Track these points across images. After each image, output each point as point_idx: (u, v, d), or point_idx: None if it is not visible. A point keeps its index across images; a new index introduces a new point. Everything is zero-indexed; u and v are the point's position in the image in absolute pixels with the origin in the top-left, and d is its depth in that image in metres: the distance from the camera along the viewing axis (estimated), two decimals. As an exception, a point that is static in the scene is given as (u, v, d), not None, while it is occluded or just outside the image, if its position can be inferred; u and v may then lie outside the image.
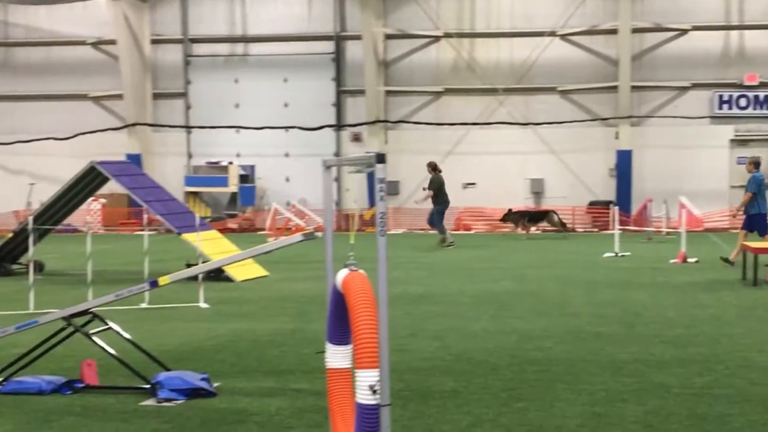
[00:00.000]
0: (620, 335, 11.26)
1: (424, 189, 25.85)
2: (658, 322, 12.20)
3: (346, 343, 5.72)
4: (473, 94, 32.51)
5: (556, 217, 28.54)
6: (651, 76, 32.05)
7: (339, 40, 33.04)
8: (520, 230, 28.41)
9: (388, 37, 32.71)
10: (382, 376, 4.83)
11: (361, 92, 32.47)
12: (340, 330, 5.68)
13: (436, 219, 24.94)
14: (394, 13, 32.67)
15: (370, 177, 30.56)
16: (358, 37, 32.25)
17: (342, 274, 5.42)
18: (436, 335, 11.48)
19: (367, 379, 4.80)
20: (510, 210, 28.80)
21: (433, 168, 24.79)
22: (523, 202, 31.99)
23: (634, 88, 31.64)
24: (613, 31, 31.66)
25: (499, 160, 32.14)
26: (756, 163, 18.94)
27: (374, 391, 4.80)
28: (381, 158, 4.93)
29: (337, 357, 5.72)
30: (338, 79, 33.10)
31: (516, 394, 8.36)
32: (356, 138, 33.01)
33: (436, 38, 32.55)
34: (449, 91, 32.68)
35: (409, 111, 32.91)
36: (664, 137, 31.86)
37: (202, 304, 14.26)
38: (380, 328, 4.83)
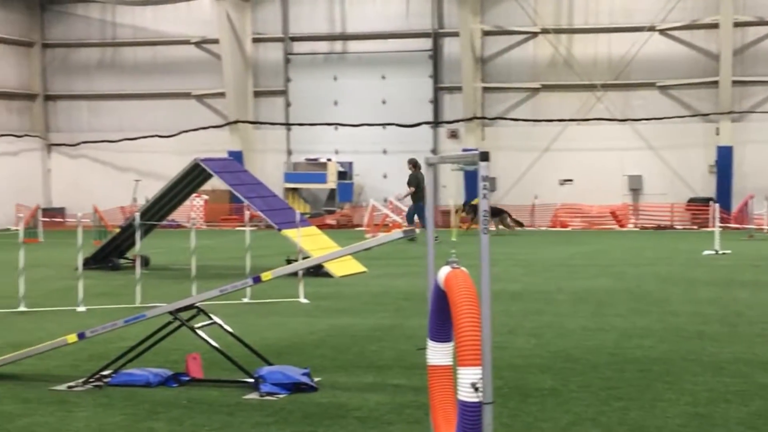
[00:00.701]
0: (722, 334, 11.08)
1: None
2: (761, 322, 11.96)
3: (448, 341, 5.77)
4: (571, 90, 32.20)
5: (508, 219, 28.10)
6: (753, 71, 31.32)
7: (436, 37, 33.06)
8: (474, 226, 27.31)
9: (486, 33, 32.61)
10: (485, 374, 4.86)
11: (458, 89, 32.43)
12: (442, 327, 5.73)
13: (411, 215, 25.78)
14: (492, 10, 32.55)
15: (468, 174, 30.60)
16: (455, 34, 32.22)
17: (444, 271, 5.46)
18: (534, 332, 11.45)
19: (469, 376, 4.83)
20: (469, 202, 28.44)
21: (414, 165, 25.00)
22: (621, 199, 31.58)
23: (735, 83, 30.96)
24: (714, 26, 31.02)
25: (596, 157, 31.78)
26: None
27: (476, 389, 4.83)
28: (485, 156, 4.96)
29: (438, 354, 5.76)
30: (435, 75, 33.12)
31: (616, 393, 8.31)
32: (453, 135, 32.99)
33: (534, 34, 32.33)
34: (546, 88, 32.43)
35: (506, 107, 32.76)
36: (766, 133, 31.10)
37: (302, 300, 14.47)
38: (483, 326, 4.86)
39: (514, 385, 8.53)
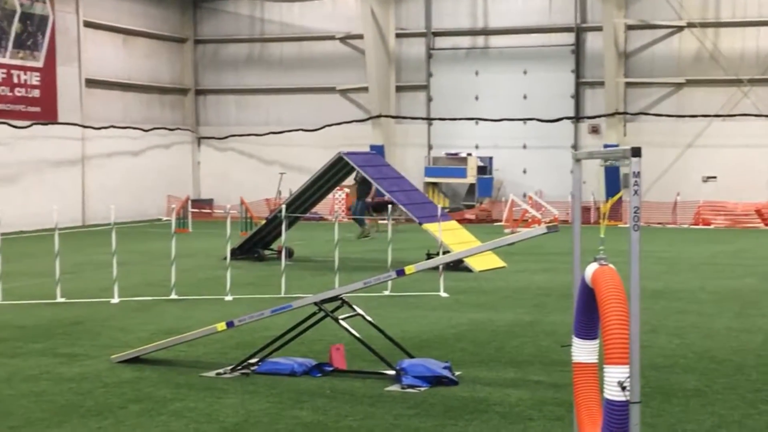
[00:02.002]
0: None
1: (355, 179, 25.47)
2: None
3: (594, 338, 5.75)
4: (716, 85, 31.29)
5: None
6: None
7: (579, 31, 32.62)
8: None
9: (630, 27, 32.00)
10: (632, 373, 4.84)
11: (601, 84, 31.94)
12: (588, 324, 5.71)
13: (360, 210, 25.59)
14: (636, 4, 31.91)
15: (609, 170, 30.13)
16: (598, 29, 31.72)
17: (591, 268, 5.44)
18: (677, 332, 11.27)
19: (616, 375, 4.82)
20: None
21: None
22: (766, 197, 30.53)
23: None
24: None
25: (741, 154, 30.80)
26: None
27: (623, 388, 4.81)
28: (636, 152, 4.92)
29: (583, 351, 5.74)
30: (577, 70, 32.69)
31: (763, 395, 8.12)
32: (594, 130, 32.51)
33: (679, 28, 31.54)
34: (691, 83, 31.60)
35: (649, 103, 32.09)
36: None
37: (443, 293, 14.55)
38: (631, 324, 4.84)
39: (656, 385, 8.43)
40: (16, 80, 28.14)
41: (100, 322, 12.32)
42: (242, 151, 35.68)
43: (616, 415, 4.85)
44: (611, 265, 5.40)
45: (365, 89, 33.61)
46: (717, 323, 11.86)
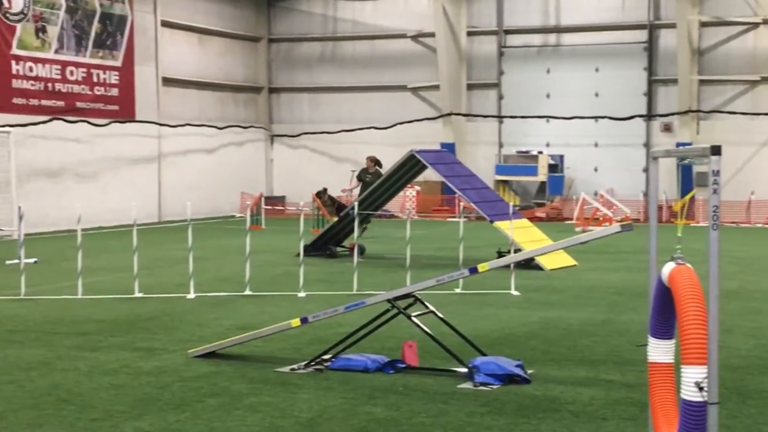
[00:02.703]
0: None
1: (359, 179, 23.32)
2: None
3: (670, 338, 5.73)
4: (792, 82, 30.75)
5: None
6: None
7: (652, 28, 32.26)
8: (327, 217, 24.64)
9: (704, 24, 31.55)
10: (710, 374, 4.82)
11: (674, 81, 31.55)
12: (664, 324, 5.69)
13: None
14: (710, 0, 31.47)
15: (683, 168, 29.75)
16: (672, 26, 31.33)
17: (668, 267, 5.42)
18: (752, 332, 11.13)
19: (693, 375, 4.80)
20: (325, 189, 25.98)
21: (375, 162, 22.63)
22: None
23: None
24: None
25: (817, 152, 30.20)
26: None
27: (701, 388, 4.79)
28: (716, 150, 4.90)
29: (659, 351, 5.72)
30: (650, 68, 32.34)
31: (843, 399, 7.99)
32: (667, 128, 32.13)
33: (754, 25, 31.00)
34: (766, 80, 31.04)
35: (723, 101, 31.60)
36: None
37: (514, 292, 14.54)
38: (709, 324, 4.82)
39: (732, 386, 8.34)
40: (95, 79, 28.73)
41: (177, 316, 12.56)
42: (314, 149, 35.96)
43: (693, 416, 4.84)
44: (689, 265, 5.38)
45: (436, 87, 33.63)
46: (794, 325, 11.69)
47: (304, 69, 36.40)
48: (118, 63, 29.55)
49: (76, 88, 28.11)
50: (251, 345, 10.15)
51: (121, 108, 29.67)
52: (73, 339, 11.02)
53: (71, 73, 27.95)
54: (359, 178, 22.66)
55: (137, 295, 14.32)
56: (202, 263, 17.22)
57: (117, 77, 29.50)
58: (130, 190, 28.89)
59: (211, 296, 14.35)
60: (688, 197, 27.94)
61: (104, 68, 29.02)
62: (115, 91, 29.41)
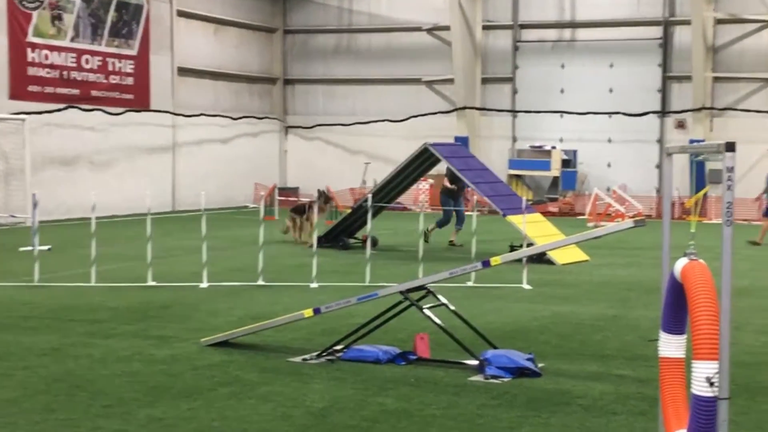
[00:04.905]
0: None
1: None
2: None
3: (681, 333, 5.75)
4: (806, 80, 30.62)
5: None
6: None
7: (667, 25, 32.15)
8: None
9: (719, 21, 31.42)
10: (722, 369, 4.84)
11: (688, 78, 31.44)
12: (676, 319, 5.71)
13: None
14: (727, -3, 31.40)
15: (696, 165, 29.68)
16: (687, 22, 31.22)
17: (681, 262, 5.44)
18: (763, 330, 11.14)
19: (705, 370, 4.81)
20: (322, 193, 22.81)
21: None
22: None
23: None
24: None
25: (830, 150, 30.04)
26: None
27: (712, 384, 4.81)
28: (731, 146, 4.91)
29: (670, 346, 5.74)
30: (664, 64, 32.22)
31: None
32: (680, 125, 32.05)
33: (770, 23, 30.91)
34: (779, 78, 30.97)
35: (737, 98, 31.49)
36: None
37: (525, 286, 14.56)
38: (721, 320, 4.84)
39: (742, 383, 8.35)
40: (111, 68, 28.82)
41: (190, 305, 12.62)
42: (328, 141, 35.99)
43: (703, 411, 4.85)
44: (702, 260, 5.40)
45: (451, 81, 33.61)
46: (806, 323, 11.69)
47: (320, 61, 36.42)
48: (134, 52, 29.62)
49: (92, 77, 28.20)
50: (263, 334, 10.20)
51: (136, 97, 29.75)
52: (86, 326, 11.09)
53: (87, 61, 28.04)
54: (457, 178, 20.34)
55: (150, 283, 14.39)
56: (215, 253, 17.27)
57: (132, 66, 29.57)
58: (145, 179, 28.97)
59: (224, 286, 14.40)
60: (701, 194, 27.88)
61: (120, 57, 29.10)
62: (130, 80, 29.50)
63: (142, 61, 29.92)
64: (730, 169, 4.87)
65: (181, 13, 31.69)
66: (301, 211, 21.19)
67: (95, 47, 28.26)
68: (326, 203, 22.42)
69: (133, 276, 15.08)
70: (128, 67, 29.41)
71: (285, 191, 33.41)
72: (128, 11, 29.32)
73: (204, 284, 14.30)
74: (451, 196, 20.80)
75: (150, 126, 30.31)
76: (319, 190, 22.57)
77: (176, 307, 12.50)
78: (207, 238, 14.81)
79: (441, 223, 20.78)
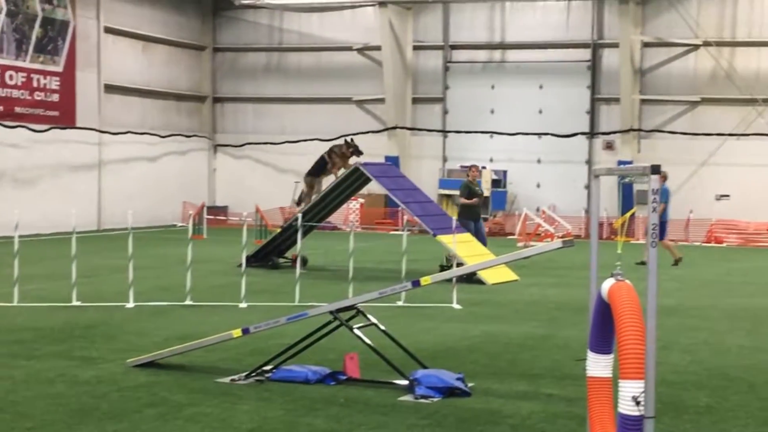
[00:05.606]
0: None
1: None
2: None
3: (608, 353, 5.80)
4: (731, 104, 31.26)
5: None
6: None
7: (596, 47, 32.68)
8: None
9: (646, 45, 32.04)
10: (647, 388, 4.89)
11: (616, 100, 31.97)
12: (603, 339, 5.76)
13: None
14: (653, 21, 31.96)
15: (624, 186, 30.14)
16: (615, 45, 31.76)
17: (608, 283, 5.49)
18: (688, 349, 11.29)
19: (631, 389, 4.87)
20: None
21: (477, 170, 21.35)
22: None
23: None
24: None
25: (755, 173, 30.73)
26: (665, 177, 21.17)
27: (638, 403, 4.86)
28: (656, 169, 4.99)
29: (598, 366, 5.79)
30: (593, 86, 32.75)
31: (775, 415, 8.14)
32: (609, 146, 32.56)
33: (695, 47, 31.53)
34: (706, 101, 31.59)
35: (664, 120, 32.11)
36: None
37: (455, 305, 14.59)
38: (647, 340, 4.89)
39: (668, 401, 8.44)
40: (35, 84, 28.36)
41: (116, 326, 12.42)
42: (258, 159, 35.82)
43: (629, 430, 4.90)
44: (628, 281, 5.46)
45: (382, 100, 33.73)
46: (729, 341, 11.88)
47: (249, 79, 36.28)
48: (60, 68, 29.20)
49: (16, 93, 27.72)
50: (191, 355, 10.07)
51: (62, 114, 29.31)
52: (8, 347, 10.84)
53: (10, 77, 27.56)
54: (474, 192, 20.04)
55: (75, 303, 14.13)
56: (142, 272, 17.03)
57: (58, 83, 29.14)
58: (70, 197, 28.51)
59: (151, 305, 14.21)
60: (628, 215, 28.29)
61: (45, 73, 28.66)
62: (55, 97, 29.06)
63: (68, 77, 29.50)
64: (656, 191, 4.94)
65: (109, 30, 31.33)
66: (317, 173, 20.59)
67: (19, 63, 27.80)
68: (358, 154, 20.53)
69: (58, 296, 14.80)
70: (53, 83, 28.97)
71: (214, 210, 33.16)
72: (54, 27, 28.90)
73: (130, 304, 14.08)
74: (471, 215, 19.75)
75: (75, 143, 29.87)
76: (346, 140, 21.15)
77: (102, 327, 12.29)
78: (134, 257, 14.59)
79: None
